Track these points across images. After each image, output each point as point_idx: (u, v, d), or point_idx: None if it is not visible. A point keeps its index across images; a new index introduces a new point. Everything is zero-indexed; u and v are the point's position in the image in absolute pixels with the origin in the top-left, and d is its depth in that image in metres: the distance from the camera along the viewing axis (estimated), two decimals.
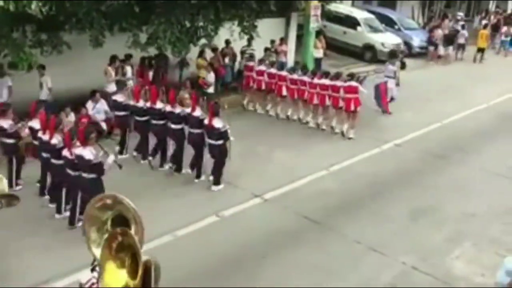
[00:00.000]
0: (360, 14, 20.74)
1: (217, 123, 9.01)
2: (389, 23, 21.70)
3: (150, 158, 9.97)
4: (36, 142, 8.45)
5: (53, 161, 8.01)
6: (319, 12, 17.07)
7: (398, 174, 10.46)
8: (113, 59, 11.88)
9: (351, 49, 20.15)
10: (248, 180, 9.71)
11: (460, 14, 26.09)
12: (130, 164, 9.63)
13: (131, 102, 10.16)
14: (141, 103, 10.02)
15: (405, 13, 24.55)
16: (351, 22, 20.25)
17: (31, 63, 9.81)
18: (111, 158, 7.68)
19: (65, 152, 7.65)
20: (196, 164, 9.63)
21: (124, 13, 10.90)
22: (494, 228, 8.51)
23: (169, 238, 7.77)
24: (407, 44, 21.10)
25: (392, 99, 14.07)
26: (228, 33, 13.08)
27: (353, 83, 12.09)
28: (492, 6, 30.51)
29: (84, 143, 7.41)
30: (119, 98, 10.40)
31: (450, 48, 21.40)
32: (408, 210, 8.99)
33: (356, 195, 9.47)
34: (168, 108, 9.65)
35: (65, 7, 9.83)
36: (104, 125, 10.87)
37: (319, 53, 17.34)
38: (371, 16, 20.98)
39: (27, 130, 8.70)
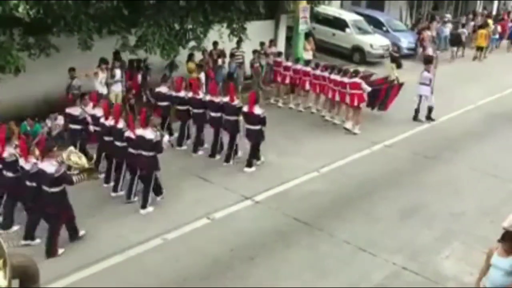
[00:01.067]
0: (348, 16, 20.85)
1: (257, 110, 10.05)
2: (378, 25, 21.82)
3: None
4: (97, 128, 9.29)
5: (117, 143, 8.78)
6: (308, 14, 17.14)
7: (388, 175, 10.51)
8: (102, 61, 11.81)
9: (340, 51, 20.24)
10: (239, 182, 9.71)
11: (448, 16, 26.33)
12: None
13: (173, 93, 10.97)
14: (182, 93, 10.88)
15: (393, 15, 24.70)
16: (339, 24, 20.35)
17: (19, 67, 9.73)
18: (166, 138, 8.88)
19: (128, 133, 8.52)
20: (229, 149, 10.51)
21: (113, 15, 10.86)
22: (483, 226, 8.56)
23: (159, 242, 7.74)
24: (396, 45, 21.23)
25: (430, 109, 13.65)
26: (217, 35, 13.08)
27: (357, 80, 12.61)
28: (479, 7, 30.81)
29: (145, 125, 8.38)
30: (162, 89, 11.24)
31: (455, 49, 22.09)
32: (398, 210, 9.04)
33: (347, 196, 9.50)
34: (208, 97, 10.64)
35: (53, 10, 9.76)
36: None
37: (308, 55, 17.37)
38: (360, 18, 21.09)
39: (89, 118, 9.53)
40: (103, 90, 11.90)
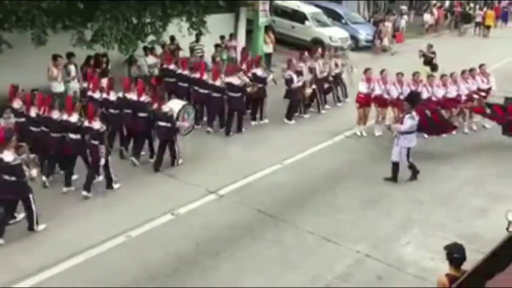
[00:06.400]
0: (307, 8, 21.03)
1: (259, 72, 12.66)
2: (336, 17, 22.12)
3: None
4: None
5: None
6: (267, 7, 17.18)
7: (349, 166, 10.69)
8: (55, 58, 11.42)
9: (300, 44, 20.37)
10: (203, 177, 9.68)
11: (404, 8, 27.06)
12: None
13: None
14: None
15: (351, 7, 25.08)
16: (299, 17, 20.52)
17: None
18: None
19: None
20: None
21: (67, 10, 10.59)
22: (440, 213, 8.86)
23: (123, 239, 7.64)
24: (354, 38, 21.59)
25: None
26: (177, 29, 12.94)
27: None
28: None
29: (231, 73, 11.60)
30: (258, 72, 12.64)
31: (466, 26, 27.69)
32: (359, 200, 9.22)
33: (310, 187, 9.62)
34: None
35: (4, 5, 9.44)
36: None
37: (269, 48, 17.42)
38: (319, 10, 21.31)
39: None
40: (60, 87, 11.56)
